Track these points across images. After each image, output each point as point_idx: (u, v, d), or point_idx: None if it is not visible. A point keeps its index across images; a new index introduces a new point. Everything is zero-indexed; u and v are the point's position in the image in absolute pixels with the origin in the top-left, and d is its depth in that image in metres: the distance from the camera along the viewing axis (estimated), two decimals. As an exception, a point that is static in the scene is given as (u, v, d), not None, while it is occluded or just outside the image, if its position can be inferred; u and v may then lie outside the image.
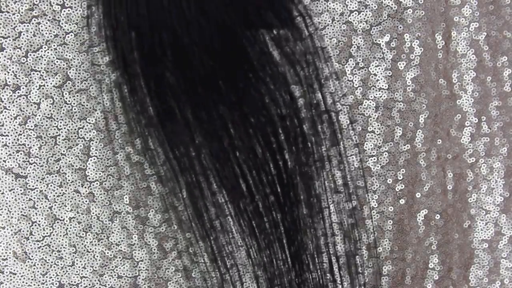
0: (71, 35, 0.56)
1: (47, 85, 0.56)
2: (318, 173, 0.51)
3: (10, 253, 0.57)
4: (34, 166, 0.57)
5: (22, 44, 0.56)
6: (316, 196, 0.48)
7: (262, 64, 0.44)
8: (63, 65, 0.56)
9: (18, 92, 0.56)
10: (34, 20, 0.56)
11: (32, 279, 0.57)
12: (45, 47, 0.56)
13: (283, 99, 0.45)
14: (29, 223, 0.57)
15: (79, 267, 0.58)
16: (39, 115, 0.56)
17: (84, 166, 0.57)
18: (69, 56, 0.56)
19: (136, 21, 0.43)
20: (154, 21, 0.43)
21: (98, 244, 0.57)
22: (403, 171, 0.59)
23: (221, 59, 0.42)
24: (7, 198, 0.56)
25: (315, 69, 0.46)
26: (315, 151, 0.48)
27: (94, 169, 0.57)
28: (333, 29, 0.58)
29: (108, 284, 0.58)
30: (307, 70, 0.45)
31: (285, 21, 0.45)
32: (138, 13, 0.43)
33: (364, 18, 0.58)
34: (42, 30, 0.56)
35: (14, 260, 0.57)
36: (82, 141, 0.57)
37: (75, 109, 0.57)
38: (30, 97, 0.56)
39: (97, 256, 0.58)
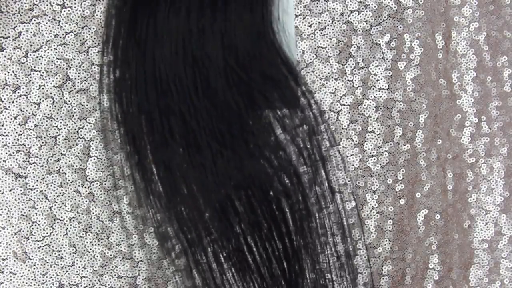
0: (71, 35, 0.56)
1: (47, 85, 0.56)
2: (323, 247, 0.52)
3: (10, 253, 0.57)
4: (34, 166, 0.57)
5: (22, 44, 0.56)
6: (321, 271, 0.49)
7: (267, 144, 0.45)
8: (63, 65, 0.56)
9: (18, 92, 0.56)
10: (34, 20, 0.56)
11: (32, 279, 0.57)
12: (45, 47, 0.56)
13: (289, 177, 0.46)
14: (29, 223, 0.57)
15: (79, 267, 0.58)
16: (39, 115, 0.56)
17: (84, 166, 0.57)
18: (69, 56, 0.56)
19: (146, 106, 0.44)
20: (163, 106, 0.44)
21: (98, 244, 0.57)
22: (403, 171, 0.59)
23: (227, 142, 0.44)
24: (7, 198, 0.56)
25: (318, 149, 0.47)
26: (319, 226, 0.49)
27: (94, 169, 0.57)
28: (333, 29, 0.58)
29: (108, 284, 0.58)
30: (310, 150, 0.46)
31: (289, 101, 0.46)
32: (148, 98, 0.44)
33: (364, 18, 0.58)
34: (42, 30, 0.56)
35: (14, 260, 0.57)
36: (82, 141, 0.57)
37: (75, 109, 0.57)
38: (30, 97, 0.56)
39: (97, 256, 0.58)
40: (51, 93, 0.56)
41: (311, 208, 0.48)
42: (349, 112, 0.58)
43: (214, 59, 0.43)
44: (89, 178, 0.57)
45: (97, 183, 0.57)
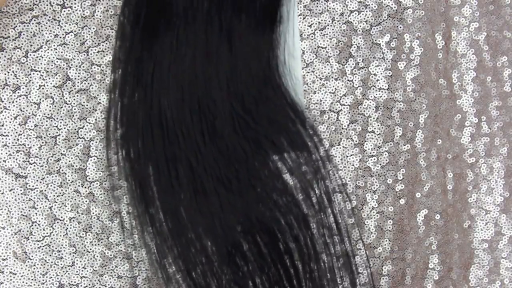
0: (71, 35, 0.56)
1: (47, 85, 0.56)
2: None
3: (10, 253, 0.57)
4: (34, 166, 0.57)
5: (22, 44, 0.56)
6: None
7: (275, 188, 0.45)
8: (63, 65, 0.56)
9: (18, 92, 0.56)
10: (34, 20, 0.56)
11: (32, 279, 0.57)
12: (45, 47, 0.56)
13: (296, 220, 0.46)
14: (29, 223, 0.57)
15: (79, 267, 0.58)
16: (39, 115, 0.56)
17: (84, 166, 0.57)
18: (69, 56, 0.56)
19: (153, 154, 0.44)
20: (170, 154, 0.44)
21: (98, 244, 0.57)
22: (403, 171, 0.59)
23: (234, 187, 0.44)
24: (7, 198, 0.56)
25: (326, 192, 0.47)
26: (328, 270, 0.49)
27: (94, 169, 0.57)
28: (333, 29, 0.58)
29: (108, 284, 0.58)
30: (318, 193, 0.47)
31: (296, 145, 0.46)
32: (155, 146, 0.44)
33: (364, 18, 0.58)
34: (42, 30, 0.56)
35: (14, 260, 0.57)
36: (82, 141, 0.57)
37: (75, 109, 0.57)
38: (30, 97, 0.56)
39: (97, 256, 0.58)
40: (51, 93, 0.56)
41: (319, 251, 0.48)
42: (349, 112, 0.58)
43: (221, 105, 0.43)
44: (89, 178, 0.57)
45: (97, 183, 0.57)
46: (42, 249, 0.57)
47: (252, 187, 0.44)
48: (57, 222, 0.57)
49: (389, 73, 0.58)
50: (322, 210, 0.46)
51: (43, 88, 0.56)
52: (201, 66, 0.42)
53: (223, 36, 0.42)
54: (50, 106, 0.56)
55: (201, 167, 0.43)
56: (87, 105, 0.57)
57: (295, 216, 0.46)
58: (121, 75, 0.43)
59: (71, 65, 0.56)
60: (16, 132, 0.56)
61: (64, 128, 0.57)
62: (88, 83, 0.57)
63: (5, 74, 0.56)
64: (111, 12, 0.56)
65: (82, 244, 0.57)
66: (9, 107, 0.56)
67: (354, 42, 0.58)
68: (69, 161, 0.57)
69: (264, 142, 0.44)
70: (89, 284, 0.58)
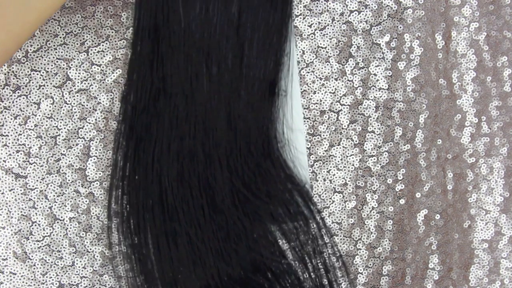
0: (71, 35, 0.56)
1: (47, 85, 0.56)
2: None
3: (10, 253, 0.57)
4: (34, 166, 0.57)
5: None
6: None
7: (272, 257, 0.46)
8: (63, 65, 0.56)
9: (18, 92, 0.56)
10: (34, 20, 0.56)
11: (32, 279, 0.57)
12: (45, 47, 0.56)
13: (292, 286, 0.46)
14: (29, 223, 0.57)
15: (79, 267, 0.58)
16: (39, 115, 0.56)
17: (84, 166, 0.57)
18: (69, 56, 0.56)
19: (153, 230, 0.45)
20: (170, 230, 0.45)
21: (98, 244, 0.57)
22: (403, 171, 0.59)
23: (234, 260, 0.44)
24: (7, 198, 0.56)
25: (323, 262, 0.48)
26: None
27: (94, 169, 0.57)
28: (333, 29, 0.58)
29: (108, 284, 0.58)
30: (315, 262, 0.47)
31: (294, 216, 0.47)
32: (155, 223, 0.45)
33: (364, 18, 0.58)
34: (42, 30, 0.56)
35: (14, 260, 0.57)
36: (82, 141, 0.57)
37: (75, 109, 0.57)
38: (30, 97, 0.56)
39: (97, 256, 0.58)
40: (51, 93, 0.56)
41: None
42: (349, 112, 0.58)
43: (221, 181, 0.43)
44: (89, 178, 0.57)
45: (97, 183, 0.57)
46: (42, 249, 0.57)
47: (251, 260, 0.44)
48: (57, 222, 0.57)
49: (389, 73, 0.58)
50: (318, 278, 0.46)
51: (43, 88, 0.56)
52: (201, 143, 0.43)
53: (222, 113, 0.42)
54: (50, 106, 0.56)
55: (201, 241, 0.44)
56: (87, 105, 0.57)
57: (291, 284, 0.46)
58: (123, 156, 0.43)
59: (71, 65, 0.56)
60: (16, 132, 0.56)
61: (64, 128, 0.57)
62: (88, 83, 0.57)
63: (5, 74, 0.56)
64: (111, 12, 0.56)
65: (82, 244, 0.57)
66: (9, 107, 0.56)
67: (354, 42, 0.58)
68: (69, 161, 0.57)
69: (263, 215, 0.44)
70: (89, 284, 0.58)
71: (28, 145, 0.56)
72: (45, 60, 0.56)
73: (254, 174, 0.44)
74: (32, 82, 0.56)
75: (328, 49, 0.58)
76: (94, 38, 0.56)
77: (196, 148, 0.43)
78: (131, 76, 0.41)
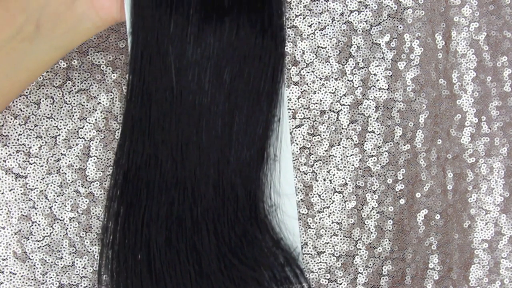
0: (71, 35, 0.56)
1: (47, 85, 0.56)
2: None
3: (10, 253, 0.57)
4: (34, 166, 0.57)
5: (22, 44, 0.56)
6: None
7: None
8: (63, 65, 0.56)
9: (18, 92, 0.56)
10: (34, 20, 0.56)
11: (32, 279, 0.57)
12: (45, 47, 0.56)
13: None
14: (29, 223, 0.57)
15: (79, 267, 0.58)
16: (39, 115, 0.56)
17: (84, 166, 0.57)
18: (69, 56, 0.56)
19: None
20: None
21: (98, 244, 0.57)
22: (403, 171, 0.59)
23: None
24: (7, 198, 0.56)
25: None
26: None
27: (94, 169, 0.57)
28: (333, 29, 0.58)
29: (108, 284, 0.58)
30: None
31: (279, 280, 0.47)
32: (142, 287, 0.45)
33: (364, 18, 0.58)
34: (42, 30, 0.56)
35: (14, 260, 0.57)
36: (82, 141, 0.57)
37: (75, 109, 0.57)
38: (30, 97, 0.56)
39: (97, 256, 0.58)
40: (51, 93, 0.56)
41: None
42: (349, 112, 0.58)
43: (207, 247, 0.44)
44: (89, 178, 0.57)
45: (97, 183, 0.57)
46: (42, 249, 0.57)
47: None
48: (57, 222, 0.57)
49: (389, 73, 0.58)
50: None
51: (43, 88, 0.56)
52: (189, 209, 0.43)
53: (210, 179, 0.43)
54: (50, 106, 0.56)
55: None
56: (87, 105, 0.57)
57: None
58: (114, 221, 0.44)
59: (71, 65, 0.56)
60: (16, 132, 0.56)
61: (64, 128, 0.57)
62: (88, 83, 0.57)
63: (5, 74, 0.56)
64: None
65: (82, 244, 0.57)
66: (9, 107, 0.56)
67: (354, 42, 0.58)
68: (69, 161, 0.57)
69: (249, 281, 0.45)
70: (89, 284, 0.58)
71: (28, 145, 0.56)
72: (45, 60, 0.56)
73: (240, 240, 0.45)
74: (32, 82, 0.56)
75: (328, 49, 0.58)
76: (94, 38, 0.56)
77: (184, 213, 0.43)
78: (124, 140, 0.42)
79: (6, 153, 0.56)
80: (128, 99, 0.41)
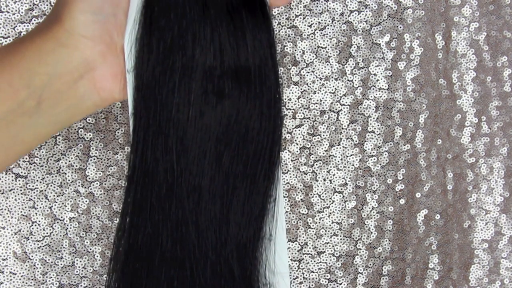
0: (71, 35, 0.56)
1: (47, 85, 0.56)
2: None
3: (10, 253, 0.57)
4: (34, 166, 0.57)
5: (22, 44, 0.56)
6: None
7: None
8: (63, 65, 0.56)
9: (18, 92, 0.56)
10: (34, 20, 0.56)
11: (32, 279, 0.57)
12: (45, 47, 0.56)
13: None
14: (29, 223, 0.57)
15: (79, 267, 0.58)
16: (39, 115, 0.56)
17: (84, 166, 0.57)
18: (69, 56, 0.56)
19: None
20: None
21: (98, 244, 0.57)
22: (403, 171, 0.59)
23: None
24: (7, 198, 0.56)
25: None
26: None
27: (94, 169, 0.57)
28: (333, 29, 0.58)
29: (108, 284, 0.58)
30: None
31: None
32: None
33: (364, 18, 0.58)
34: (42, 30, 0.56)
35: (14, 260, 0.57)
36: (82, 141, 0.57)
37: (75, 109, 0.57)
38: (30, 97, 0.56)
39: (97, 256, 0.58)
40: (51, 93, 0.56)
41: None
42: (349, 112, 0.58)
43: None
44: (89, 178, 0.57)
45: (97, 183, 0.57)
46: (42, 249, 0.57)
47: None
48: (57, 222, 0.57)
49: (389, 73, 0.58)
50: None
51: (43, 88, 0.56)
52: (187, 287, 0.44)
53: (208, 260, 0.43)
54: (50, 106, 0.56)
55: None
56: (87, 105, 0.57)
57: None
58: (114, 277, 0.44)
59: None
60: (16, 132, 0.56)
61: (64, 128, 0.57)
62: (88, 83, 0.56)
63: (5, 74, 0.56)
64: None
65: (82, 244, 0.57)
66: (9, 107, 0.56)
67: (354, 42, 0.58)
68: (69, 161, 0.57)
69: None
70: (89, 284, 0.58)
71: (28, 145, 0.56)
72: (45, 60, 0.56)
73: None
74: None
75: (328, 49, 0.58)
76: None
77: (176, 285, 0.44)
78: (124, 219, 0.42)
79: (6, 153, 0.56)
80: (130, 179, 0.41)
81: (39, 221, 0.57)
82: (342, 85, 0.58)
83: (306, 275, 0.60)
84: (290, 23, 0.57)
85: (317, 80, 0.58)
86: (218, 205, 0.43)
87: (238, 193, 0.43)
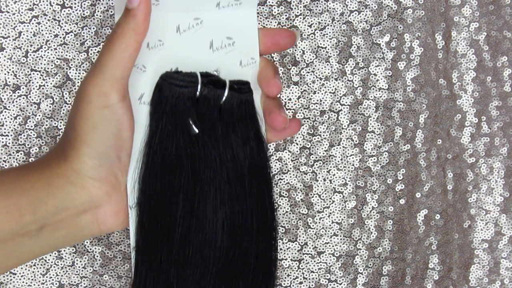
0: (71, 35, 0.56)
1: (47, 85, 0.56)
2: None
3: (10, 253, 0.57)
4: (34, 166, 0.56)
5: (22, 44, 0.56)
6: None
7: None
8: (63, 65, 0.56)
9: (18, 92, 0.56)
10: (34, 20, 0.56)
11: (32, 279, 0.57)
12: (45, 47, 0.56)
13: None
14: (29, 223, 0.57)
15: (79, 267, 0.58)
16: (39, 115, 0.56)
17: (84, 166, 0.57)
18: (69, 56, 0.56)
19: None
20: None
21: (98, 244, 0.57)
22: (403, 171, 0.59)
23: None
24: (7, 198, 0.56)
25: None
26: None
27: (94, 169, 0.57)
28: (333, 29, 0.58)
29: (108, 284, 0.58)
30: None
31: None
32: None
33: (364, 18, 0.58)
34: (42, 30, 0.56)
35: (14, 260, 0.57)
36: (82, 141, 0.57)
37: (75, 109, 0.57)
38: (30, 97, 0.56)
39: (97, 256, 0.58)
40: (51, 93, 0.56)
41: None
42: (349, 112, 0.58)
43: None
44: (89, 178, 0.57)
45: (97, 183, 0.57)
46: (42, 249, 0.57)
47: None
48: (57, 222, 0.57)
49: (389, 73, 0.58)
50: None
51: (43, 88, 0.56)
52: None
53: None
54: (50, 106, 0.56)
55: None
56: (87, 105, 0.56)
57: None
58: None
59: (71, 65, 0.56)
60: (16, 132, 0.56)
61: (64, 128, 0.57)
62: (88, 83, 0.56)
63: (5, 74, 0.56)
64: (111, 12, 0.56)
65: (82, 244, 0.57)
66: (9, 107, 0.56)
67: (354, 42, 0.58)
68: (69, 161, 0.57)
69: None
70: (89, 284, 0.58)
71: (28, 145, 0.56)
72: (45, 60, 0.56)
73: None
74: (32, 82, 0.56)
75: (328, 49, 0.58)
76: (94, 38, 0.56)
77: None
78: None
79: (6, 153, 0.56)
80: (135, 274, 0.43)
81: (39, 221, 0.57)
82: (342, 85, 0.58)
83: (306, 275, 0.60)
84: (290, 23, 0.57)
85: (317, 80, 0.58)
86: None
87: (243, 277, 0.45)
